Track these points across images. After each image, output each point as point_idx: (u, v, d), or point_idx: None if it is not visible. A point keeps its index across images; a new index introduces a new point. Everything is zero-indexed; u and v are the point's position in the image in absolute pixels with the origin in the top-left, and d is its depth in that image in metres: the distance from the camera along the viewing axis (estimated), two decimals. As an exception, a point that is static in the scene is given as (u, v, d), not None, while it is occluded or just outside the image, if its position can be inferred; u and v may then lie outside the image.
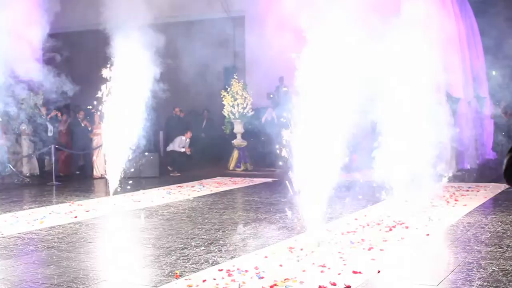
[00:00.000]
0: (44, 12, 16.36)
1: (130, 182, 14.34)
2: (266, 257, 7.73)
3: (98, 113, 14.42)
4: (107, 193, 13.79)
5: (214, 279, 6.75)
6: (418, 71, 11.24)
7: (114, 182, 13.90)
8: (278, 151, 10.03)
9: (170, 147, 19.23)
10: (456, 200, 12.16)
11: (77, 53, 22.44)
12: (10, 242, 9.09)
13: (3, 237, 9.38)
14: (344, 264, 7.27)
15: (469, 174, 16.52)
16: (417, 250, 8.11)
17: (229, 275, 6.90)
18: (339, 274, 6.87)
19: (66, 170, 18.79)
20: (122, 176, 14.06)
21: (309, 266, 7.19)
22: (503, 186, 13.34)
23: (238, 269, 7.11)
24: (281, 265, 7.28)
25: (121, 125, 13.68)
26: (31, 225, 10.29)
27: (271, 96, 22.61)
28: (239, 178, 17.07)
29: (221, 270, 7.11)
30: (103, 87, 13.87)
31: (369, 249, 8.06)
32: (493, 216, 10.41)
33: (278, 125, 19.07)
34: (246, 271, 7.03)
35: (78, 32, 25.07)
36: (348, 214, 10.95)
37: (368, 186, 12.97)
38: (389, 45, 11.05)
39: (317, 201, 9.25)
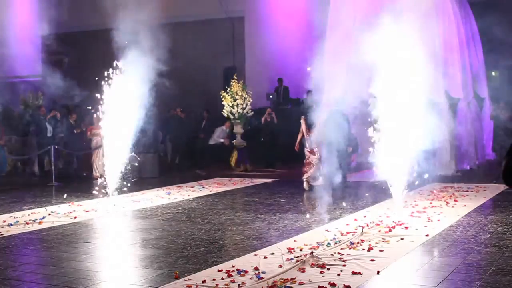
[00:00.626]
0: (50, 13, 16.43)
1: (130, 182, 14.31)
2: (265, 257, 7.73)
3: (97, 113, 14.38)
4: (106, 194, 13.79)
5: (214, 279, 6.75)
6: (417, 73, 11.23)
7: (113, 182, 13.89)
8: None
9: (211, 141, 19.23)
10: (455, 200, 12.16)
11: (82, 54, 22.46)
12: (10, 242, 9.09)
13: (2, 238, 9.38)
14: (344, 265, 7.27)
15: (469, 175, 16.51)
16: (416, 251, 8.12)
17: (229, 275, 6.90)
18: (338, 274, 6.87)
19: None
20: (122, 177, 14.04)
21: (309, 267, 7.19)
22: (502, 187, 13.34)
23: (237, 269, 7.11)
24: (280, 266, 7.28)
25: (120, 125, 13.66)
26: (30, 226, 10.29)
27: (270, 96, 22.64)
28: (238, 179, 17.07)
29: (221, 270, 7.11)
30: (102, 87, 13.86)
31: (369, 250, 8.05)
32: (493, 216, 10.42)
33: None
34: (246, 271, 7.03)
35: (81, 32, 25.16)
36: (347, 214, 10.95)
37: (368, 187, 12.98)
38: (387, 45, 11.04)
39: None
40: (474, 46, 19.60)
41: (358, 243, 8.47)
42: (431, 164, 16.25)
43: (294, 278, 6.73)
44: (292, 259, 7.61)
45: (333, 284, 6.46)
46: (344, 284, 6.44)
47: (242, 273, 6.98)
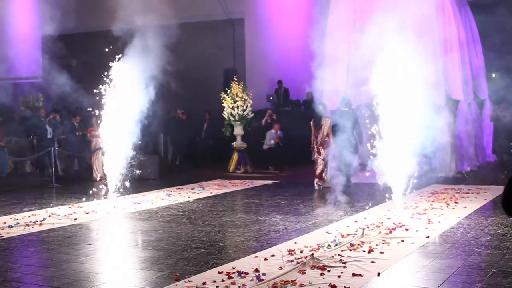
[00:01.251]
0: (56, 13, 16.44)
1: (130, 184, 14.31)
2: (266, 259, 7.72)
3: (97, 115, 14.38)
4: (106, 195, 13.78)
5: (214, 281, 6.75)
6: (416, 74, 11.23)
7: (113, 184, 13.89)
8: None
9: (265, 146, 19.24)
10: (456, 202, 12.15)
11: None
12: (10, 244, 9.09)
13: (2, 239, 9.38)
14: (344, 267, 7.27)
15: (469, 177, 16.51)
16: (417, 253, 8.11)
17: (229, 277, 6.90)
18: (339, 276, 6.87)
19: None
20: (122, 178, 14.04)
21: (309, 269, 7.19)
22: (503, 189, 13.30)
23: (238, 271, 7.11)
24: (281, 267, 7.28)
25: (120, 126, 13.66)
26: (31, 227, 10.29)
27: (271, 98, 22.65)
28: (239, 180, 17.06)
29: (221, 272, 7.10)
30: (102, 88, 13.87)
31: (369, 252, 8.05)
32: (493, 218, 10.41)
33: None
34: (246, 273, 7.03)
35: (84, 33, 25.18)
36: (348, 216, 10.95)
37: (368, 188, 12.99)
38: (387, 46, 11.05)
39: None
40: (474, 47, 19.60)
41: (358, 244, 8.47)
42: (431, 165, 16.31)
43: (295, 280, 6.73)
44: (292, 261, 7.61)
45: (334, 286, 6.45)
46: (344, 286, 6.44)
47: (242, 275, 6.98)
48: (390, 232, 9.30)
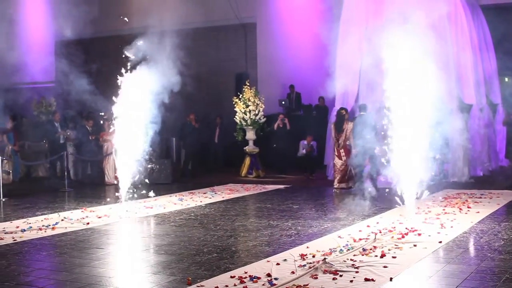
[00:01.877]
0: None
1: (142, 188, 14.34)
2: (278, 264, 7.72)
3: (109, 119, 14.41)
4: (119, 200, 13.81)
5: (226, 286, 6.75)
6: (429, 79, 11.20)
7: (126, 188, 13.91)
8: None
9: (299, 154, 19.24)
10: (469, 207, 12.10)
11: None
12: (23, 248, 9.13)
13: (15, 243, 9.42)
14: (356, 272, 7.25)
15: (482, 181, 16.44)
16: (429, 258, 8.08)
17: (241, 281, 6.90)
18: (351, 281, 6.85)
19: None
20: (134, 183, 14.07)
21: (321, 274, 7.18)
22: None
23: (250, 276, 7.10)
24: (293, 272, 7.27)
25: (133, 131, 13.68)
26: (43, 231, 10.32)
27: (283, 102, 22.65)
28: (251, 185, 17.06)
29: (233, 276, 7.10)
30: (116, 93, 13.89)
31: (382, 256, 8.03)
32: (507, 223, 10.36)
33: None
34: (258, 278, 7.03)
35: (98, 38, 25.24)
36: (360, 221, 10.92)
37: (381, 193, 12.96)
38: (399, 51, 11.03)
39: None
40: (487, 51, 19.54)
41: (370, 249, 8.45)
42: (444, 170, 16.28)
43: (307, 285, 6.72)
44: (304, 265, 7.60)
45: (346, 291, 6.45)
46: (357, 291, 6.43)
47: (254, 279, 6.97)
48: (403, 236, 9.27)
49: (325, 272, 7.24)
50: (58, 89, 21.48)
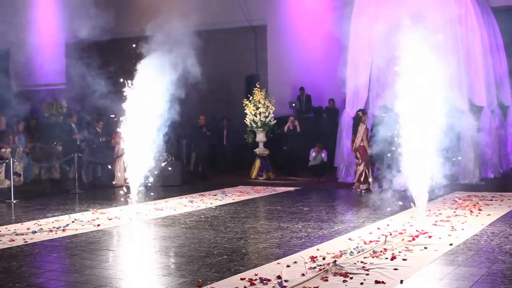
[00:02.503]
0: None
1: (153, 190, 14.36)
2: (288, 266, 7.72)
3: (120, 121, 14.41)
4: (129, 202, 13.83)
5: (236, 287, 6.75)
6: (440, 81, 11.17)
7: (136, 190, 13.93)
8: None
9: (311, 162, 19.17)
10: (479, 209, 12.06)
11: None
12: (34, 249, 9.16)
13: (26, 245, 9.46)
14: (367, 274, 7.24)
15: (493, 184, 16.37)
16: (440, 260, 8.06)
17: (252, 284, 6.90)
18: (361, 283, 6.84)
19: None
20: (144, 185, 14.08)
21: (331, 276, 7.17)
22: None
23: (260, 278, 7.10)
24: (303, 274, 7.26)
25: (143, 133, 13.68)
26: (54, 233, 10.36)
27: (293, 105, 22.63)
28: (261, 187, 17.05)
29: (243, 279, 7.10)
30: (125, 95, 13.89)
31: (392, 259, 8.01)
32: (518, 226, 10.33)
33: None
34: (269, 280, 7.03)
35: (111, 40, 25.30)
36: (370, 223, 10.90)
37: (391, 195, 12.92)
38: (409, 53, 11.01)
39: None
40: (497, 53, 19.45)
41: (381, 251, 8.43)
42: (455, 172, 16.22)
43: (317, 287, 6.72)
44: (315, 267, 7.60)
45: (356, 293, 6.44)
46: (367, 293, 6.42)
47: (264, 281, 6.97)
48: (413, 239, 9.25)
49: (335, 274, 7.23)
50: (69, 91, 21.50)
